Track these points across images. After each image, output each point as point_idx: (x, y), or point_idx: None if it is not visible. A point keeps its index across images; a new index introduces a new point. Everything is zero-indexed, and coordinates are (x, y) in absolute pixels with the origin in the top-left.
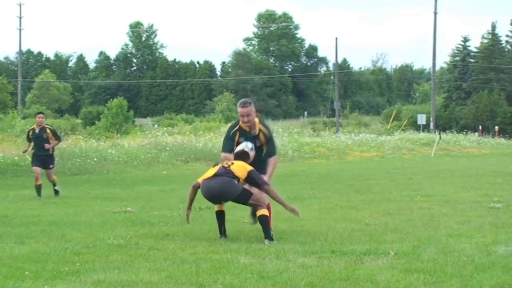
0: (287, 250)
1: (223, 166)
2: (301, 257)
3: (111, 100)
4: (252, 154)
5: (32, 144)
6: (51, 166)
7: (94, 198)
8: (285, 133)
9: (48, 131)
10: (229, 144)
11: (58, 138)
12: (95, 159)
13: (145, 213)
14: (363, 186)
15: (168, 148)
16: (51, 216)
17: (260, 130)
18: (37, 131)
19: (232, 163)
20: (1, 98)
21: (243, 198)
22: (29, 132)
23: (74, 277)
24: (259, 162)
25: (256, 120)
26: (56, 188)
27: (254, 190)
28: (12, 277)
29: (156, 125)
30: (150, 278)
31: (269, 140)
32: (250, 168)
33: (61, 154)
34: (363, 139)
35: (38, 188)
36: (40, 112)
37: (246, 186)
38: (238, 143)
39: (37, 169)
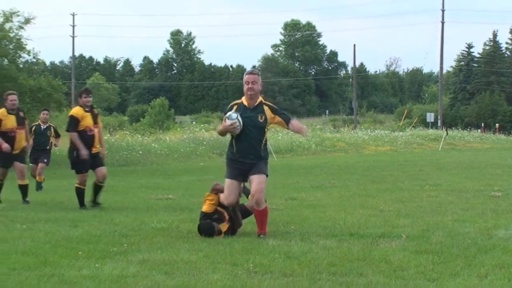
0: (310, 233)
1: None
2: (323, 240)
3: (154, 100)
4: (235, 124)
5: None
6: (45, 160)
7: (140, 187)
8: (309, 129)
9: (53, 130)
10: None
11: (58, 135)
12: (140, 152)
13: (184, 200)
14: (378, 177)
15: (205, 143)
16: (102, 202)
17: (261, 102)
18: (42, 128)
19: None
20: (56, 98)
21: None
22: (31, 128)
23: (122, 256)
24: (255, 146)
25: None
26: (42, 184)
27: (254, 188)
28: (67, 257)
29: (194, 122)
30: (189, 258)
31: (277, 110)
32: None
33: (109, 147)
34: (378, 135)
35: (39, 184)
36: (45, 109)
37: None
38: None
39: (35, 166)
